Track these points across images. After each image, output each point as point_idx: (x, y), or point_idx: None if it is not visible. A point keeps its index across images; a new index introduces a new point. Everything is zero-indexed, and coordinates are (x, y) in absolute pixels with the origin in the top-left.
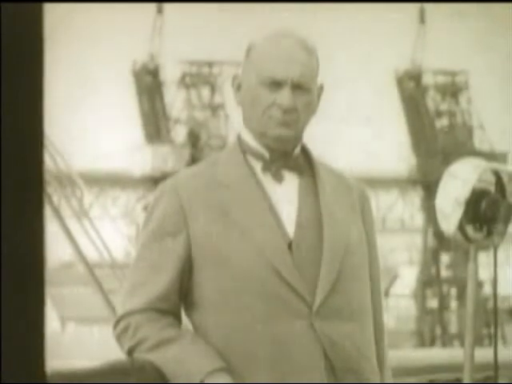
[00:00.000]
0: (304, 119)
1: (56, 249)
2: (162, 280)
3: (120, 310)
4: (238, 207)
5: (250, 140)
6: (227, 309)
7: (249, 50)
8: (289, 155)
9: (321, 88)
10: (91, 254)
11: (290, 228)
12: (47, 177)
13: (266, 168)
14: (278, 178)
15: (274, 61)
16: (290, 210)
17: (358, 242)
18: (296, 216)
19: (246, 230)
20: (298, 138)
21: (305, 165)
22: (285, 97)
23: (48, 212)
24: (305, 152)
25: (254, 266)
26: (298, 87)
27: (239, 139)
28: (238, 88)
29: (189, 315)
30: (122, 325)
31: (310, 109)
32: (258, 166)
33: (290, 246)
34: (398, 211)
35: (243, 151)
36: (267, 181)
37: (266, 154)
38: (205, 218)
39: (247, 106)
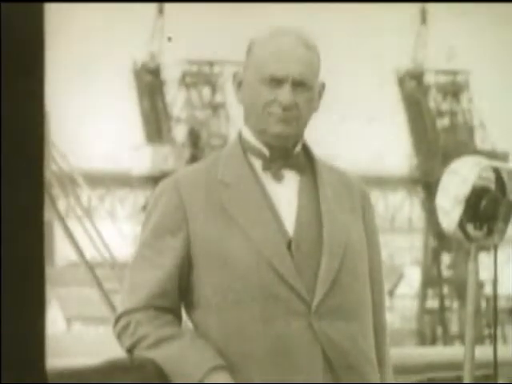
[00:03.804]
0: (305, 116)
1: (63, 249)
2: (161, 277)
3: (120, 308)
4: (237, 206)
5: (250, 138)
6: (226, 307)
7: (250, 48)
8: (289, 153)
9: (322, 86)
10: (95, 255)
11: (290, 227)
12: (51, 179)
13: (266, 167)
14: (278, 177)
15: (274, 58)
16: (289, 209)
17: (357, 241)
18: (296, 215)
19: (245, 228)
20: (298, 135)
21: (305, 163)
22: (285, 94)
23: (54, 214)
24: (306, 150)
25: (253, 264)
26: (298, 84)
27: (240, 137)
28: (238, 85)
29: (189, 314)
30: (121, 323)
31: (311, 106)
32: (258, 164)
33: (289, 245)
34: (406, 211)
35: (244, 149)
36: (267, 179)
37: (266, 152)
38: (205, 216)
39: (248, 103)
